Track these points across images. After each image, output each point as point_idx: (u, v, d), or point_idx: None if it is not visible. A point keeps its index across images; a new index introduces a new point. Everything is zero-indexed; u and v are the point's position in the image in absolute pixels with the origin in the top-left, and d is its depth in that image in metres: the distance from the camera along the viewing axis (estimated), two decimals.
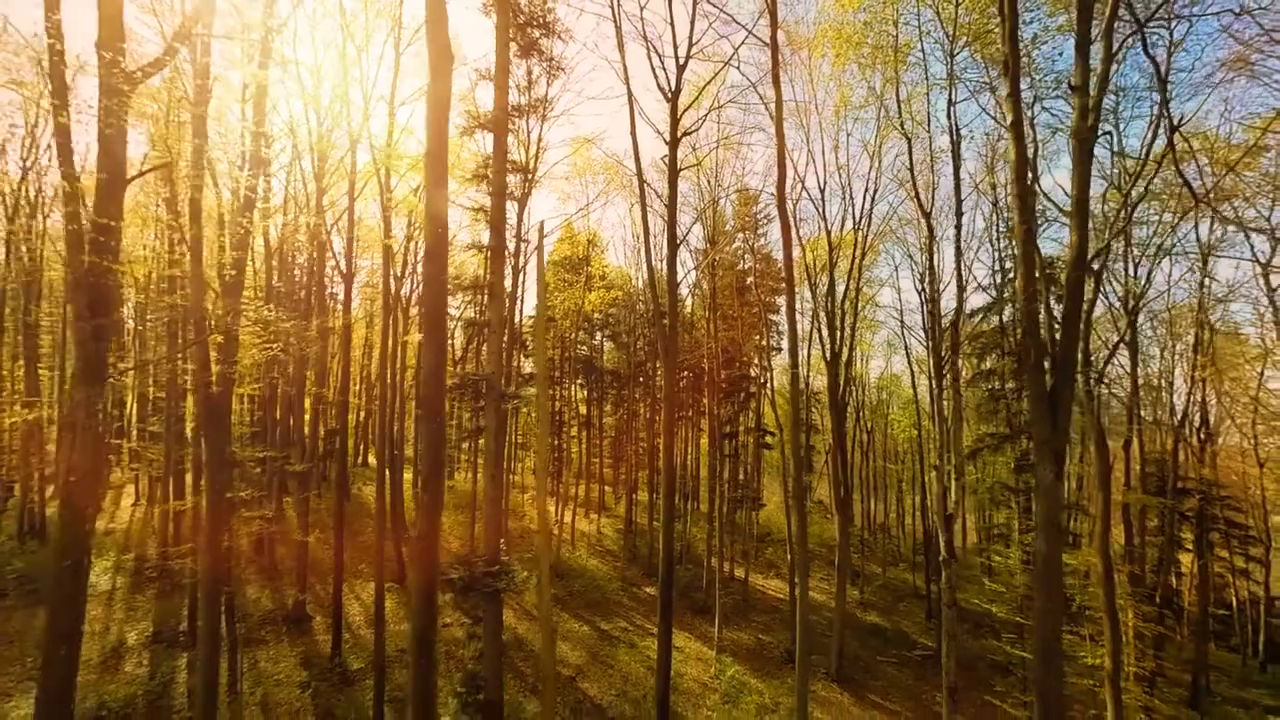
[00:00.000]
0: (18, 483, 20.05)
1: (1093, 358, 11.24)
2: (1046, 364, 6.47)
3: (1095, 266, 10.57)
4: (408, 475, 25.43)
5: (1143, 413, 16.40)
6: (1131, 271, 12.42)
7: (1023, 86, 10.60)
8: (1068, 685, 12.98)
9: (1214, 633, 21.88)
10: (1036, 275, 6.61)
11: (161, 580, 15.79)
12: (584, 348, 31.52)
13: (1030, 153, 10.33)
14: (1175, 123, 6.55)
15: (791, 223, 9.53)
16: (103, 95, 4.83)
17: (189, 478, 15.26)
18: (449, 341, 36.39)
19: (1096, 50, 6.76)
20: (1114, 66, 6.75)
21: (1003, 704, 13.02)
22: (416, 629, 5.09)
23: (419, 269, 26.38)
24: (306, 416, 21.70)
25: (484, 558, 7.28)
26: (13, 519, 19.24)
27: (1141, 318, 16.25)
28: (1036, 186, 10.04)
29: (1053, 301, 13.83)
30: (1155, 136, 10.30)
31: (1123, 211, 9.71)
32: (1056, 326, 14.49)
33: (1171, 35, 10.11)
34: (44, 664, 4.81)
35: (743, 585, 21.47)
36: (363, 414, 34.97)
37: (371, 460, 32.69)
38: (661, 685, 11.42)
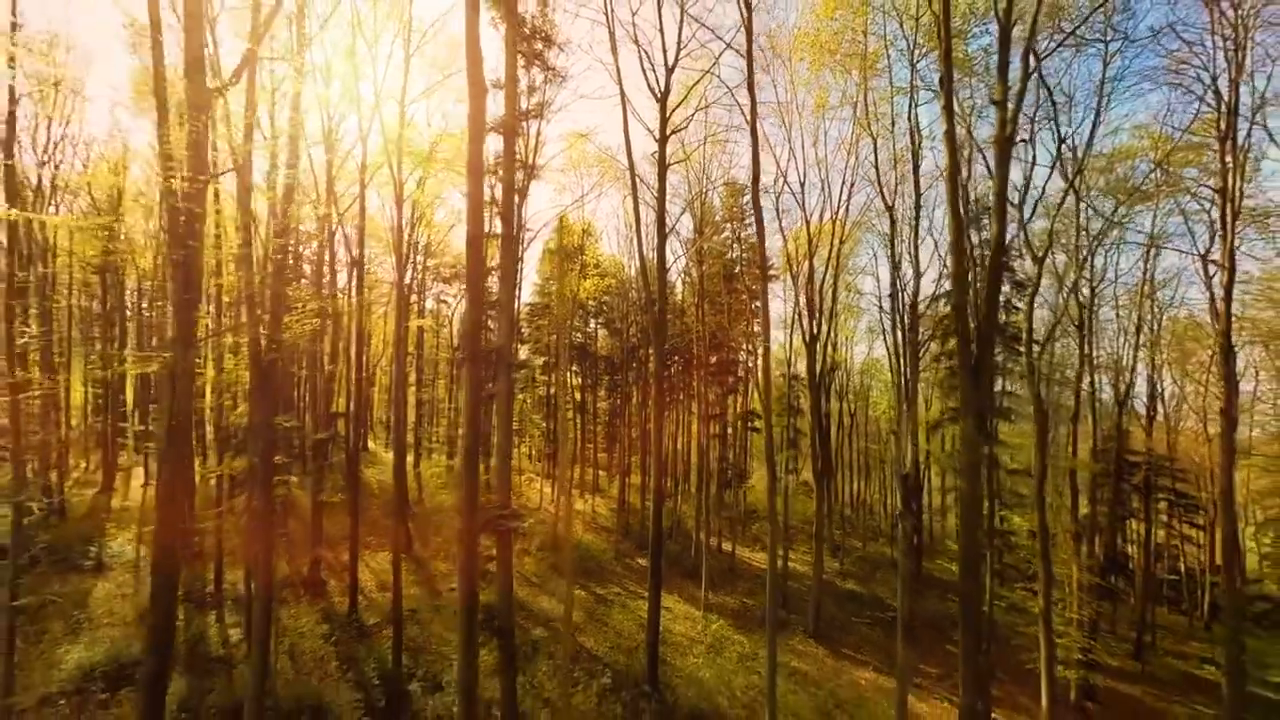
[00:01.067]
0: (31, 461, 21.06)
1: (1036, 335, 12.59)
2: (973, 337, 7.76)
3: (1040, 254, 11.87)
4: (408, 458, 26.51)
5: (1101, 393, 17.87)
6: (1083, 258, 13.76)
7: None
8: (1019, 633, 14.49)
9: (1167, 598, 23.71)
10: (965, 263, 7.88)
11: (183, 549, 16.89)
12: (579, 335, 32.64)
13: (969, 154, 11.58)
14: (1062, 135, 7.80)
15: (764, 218, 10.72)
16: (190, 109, 5.95)
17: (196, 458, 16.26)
18: (448, 330, 37.35)
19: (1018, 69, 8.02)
20: (1028, 85, 7.97)
21: (959, 651, 14.53)
22: (464, 559, 6.33)
23: (419, 259, 27.50)
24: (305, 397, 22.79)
25: (497, 503, 8.49)
26: (32, 494, 20.23)
27: (1097, 301, 17.69)
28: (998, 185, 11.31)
29: (1008, 287, 15.20)
30: (1093, 138, 11.64)
31: (1067, 201, 11.03)
32: (1018, 307, 15.87)
33: (1107, 48, 11.40)
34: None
35: (730, 557, 22.93)
36: (352, 404, 35.93)
37: (372, 445, 33.69)
38: (651, 635, 12.79)
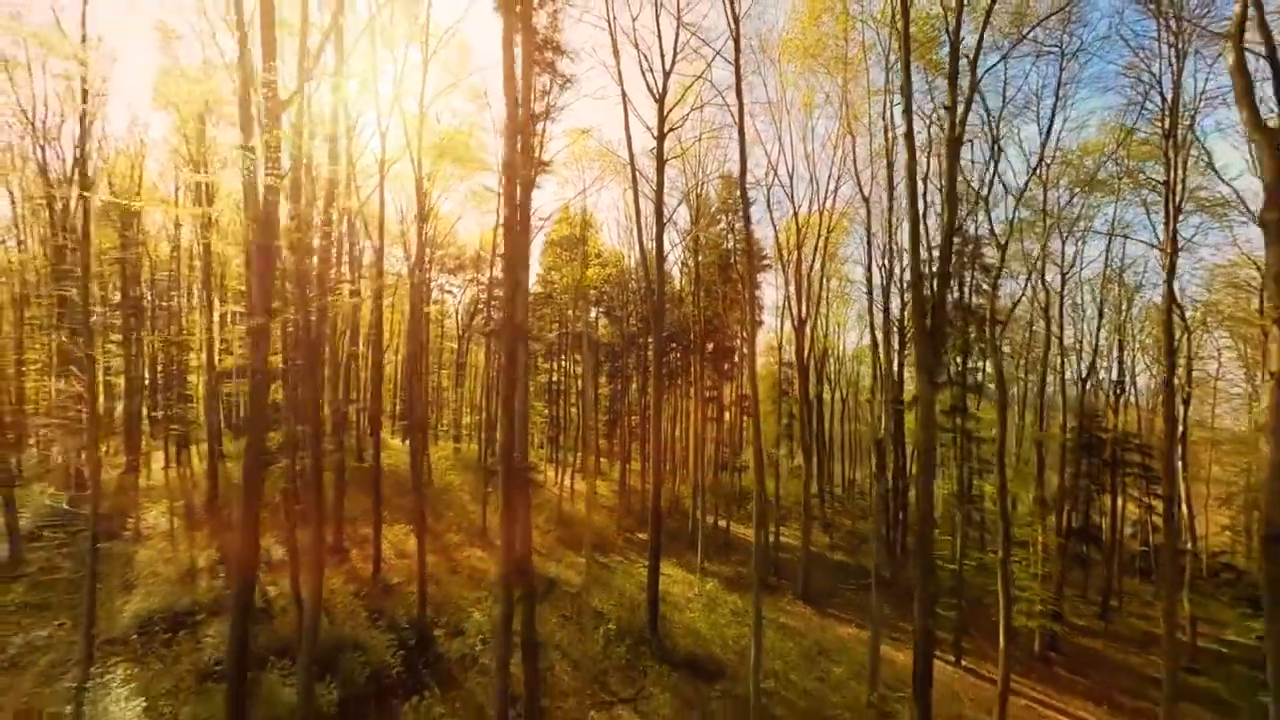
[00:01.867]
0: (58, 442, 22.40)
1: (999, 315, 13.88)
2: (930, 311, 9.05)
3: (1004, 241, 13.16)
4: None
5: (1066, 373, 19.21)
6: (1044, 245, 15.05)
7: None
8: (989, 592, 15.86)
9: (1139, 568, 25.23)
10: (919, 247, 9.16)
11: (214, 519, 18.27)
12: (580, 324, 33.89)
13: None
14: (998, 135, 9.08)
15: (757, 209, 11.97)
16: (269, 118, 7.20)
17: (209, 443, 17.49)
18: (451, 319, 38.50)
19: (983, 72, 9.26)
20: (975, 94, 9.22)
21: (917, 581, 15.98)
22: (507, 492, 7.61)
23: (426, 250, 28.83)
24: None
25: (517, 457, 9.79)
26: (60, 477, 21.55)
27: (1070, 287, 19.01)
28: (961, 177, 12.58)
29: (979, 272, 16.49)
30: (1048, 136, 12.90)
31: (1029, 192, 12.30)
32: (985, 288, 17.16)
33: (1063, 55, 12.64)
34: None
35: (725, 533, 24.32)
36: (369, 389, 37.19)
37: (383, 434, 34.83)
38: (651, 591, 14.16)
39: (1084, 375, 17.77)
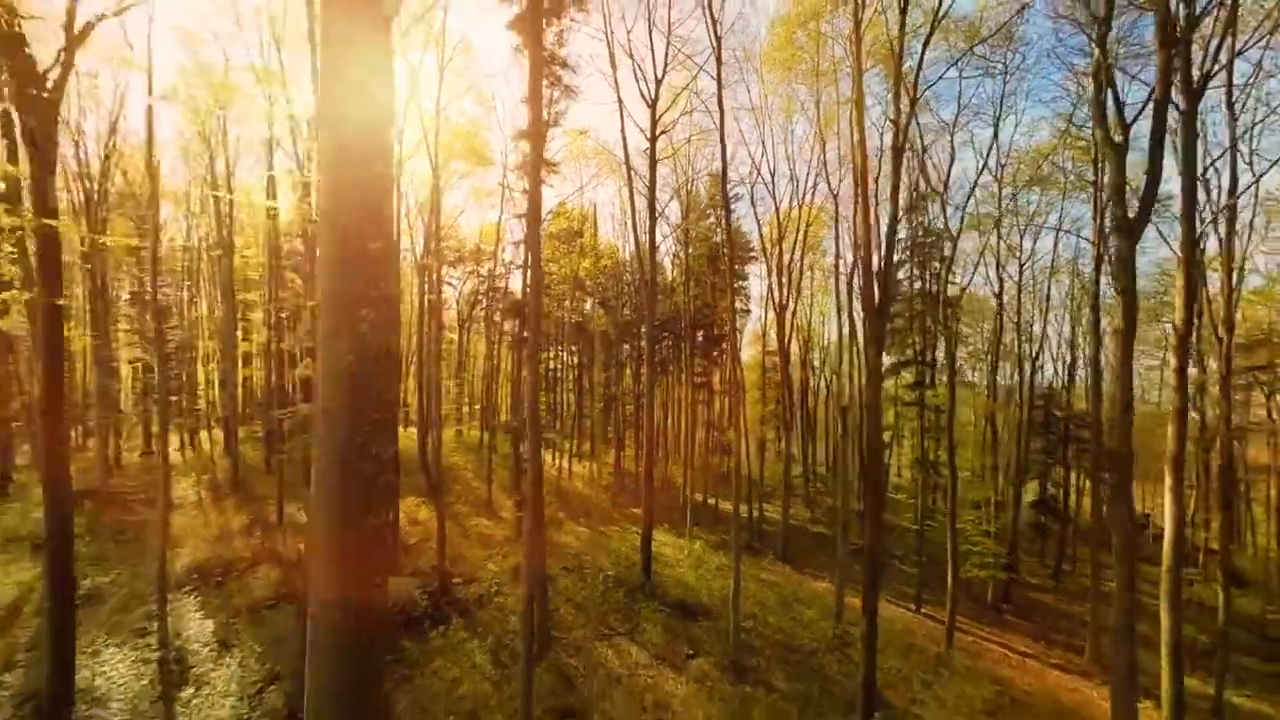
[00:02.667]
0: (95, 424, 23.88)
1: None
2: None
3: (955, 235, 14.97)
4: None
5: (1025, 359, 21.13)
6: (988, 237, 16.91)
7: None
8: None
9: (1104, 541, 27.34)
10: (871, 236, 10.91)
11: (238, 492, 19.85)
12: (576, 315, 35.53)
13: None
14: (954, 139, 10.84)
15: (748, 205, 13.67)
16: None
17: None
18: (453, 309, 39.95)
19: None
20: (917, 107, 10.99)
21: (900, 565, 17.92)
22: (533, 438, 9.28)
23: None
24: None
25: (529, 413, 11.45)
26: (96, 457, 23.00)
27: (1028, 277, 20.90)
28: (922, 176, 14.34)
29: (936, 263, 18.31)
30: (995, 142, 14.73)
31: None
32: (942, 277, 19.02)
33: (1006, 71, 14.43)
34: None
35: (714, 509, 26.15)
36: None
37: None
38: (645, 545, 15.91)
39: (1035, 357, 19.73)
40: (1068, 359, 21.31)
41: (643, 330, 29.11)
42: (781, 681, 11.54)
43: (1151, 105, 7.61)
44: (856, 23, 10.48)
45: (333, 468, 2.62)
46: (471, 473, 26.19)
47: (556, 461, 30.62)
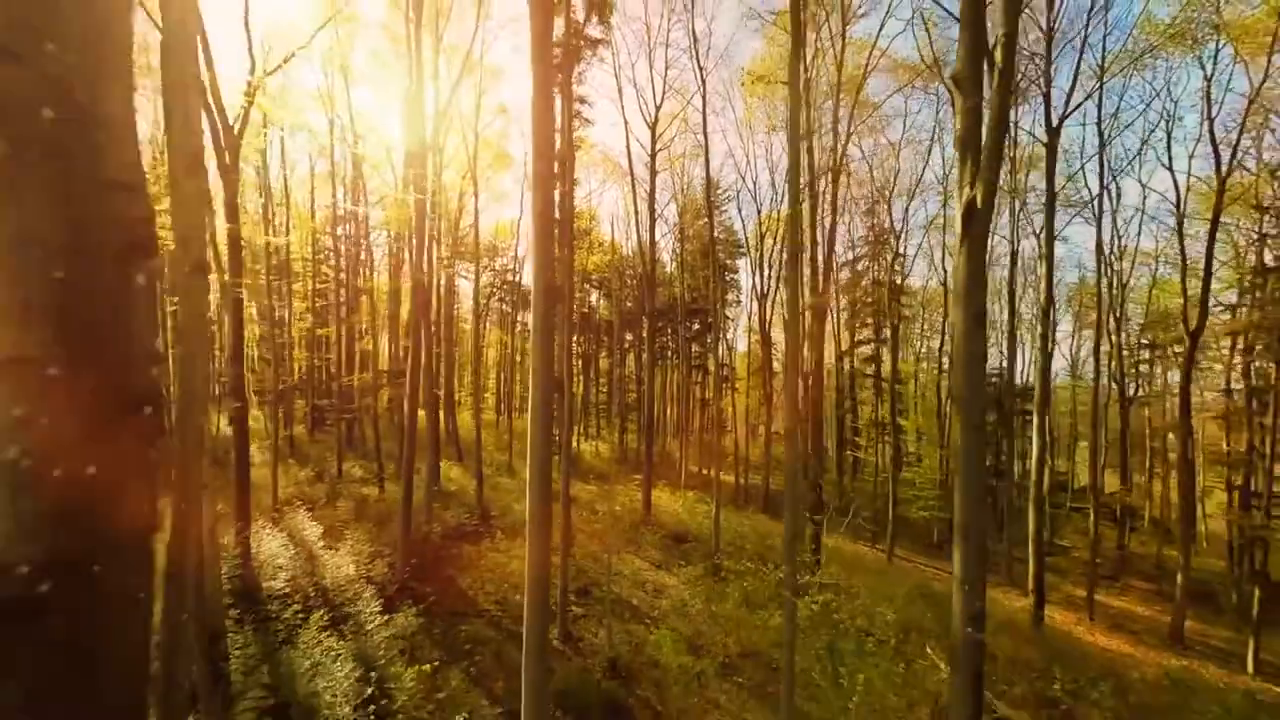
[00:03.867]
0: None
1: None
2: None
3: (899, 233, 18.47)
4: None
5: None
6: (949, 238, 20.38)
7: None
8: (905, 501, 21.23)
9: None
10: (799, 236, 14.42)
11: (295, 454, 23.48)
12: (584, 307, 39.10)
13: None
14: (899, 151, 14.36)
15: (734, 207, 17.20)
16: (411, 136, 12.39)
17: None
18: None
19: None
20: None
21: (861, 514, 21.52)
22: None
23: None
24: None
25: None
26: None
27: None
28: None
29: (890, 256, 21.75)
30: (928, 156, 18.13)
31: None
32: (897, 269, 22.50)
33: (938, 93, 17.79)
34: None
35: (706, 476, 29.72)
36: (416, 358, 42.34)
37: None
38: (645, 486, 19.48)
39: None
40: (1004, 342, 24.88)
41: (644, 319, 32.71)
42: (749, 580, 15.08)
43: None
44: (794, 81, 13.99)
45: None
46: (493, 444, 29.78)
47: (564, 438, 34.14)
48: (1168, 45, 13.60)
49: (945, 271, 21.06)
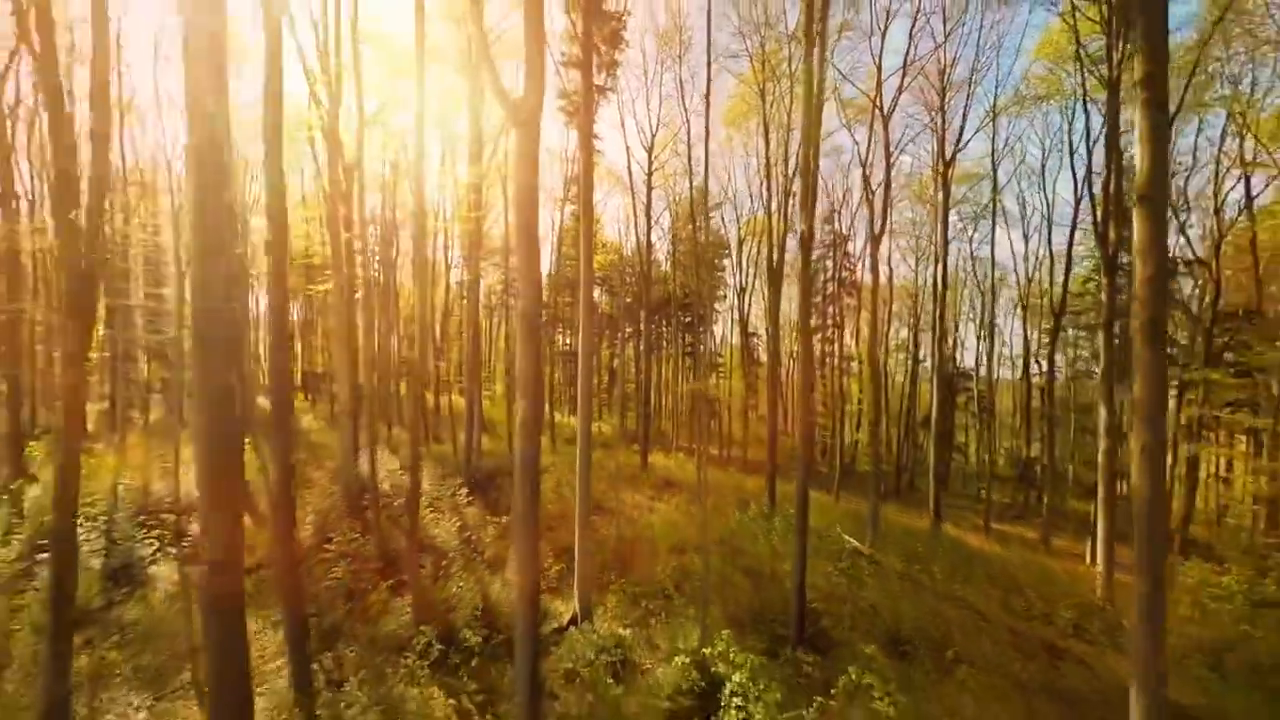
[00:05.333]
0: None
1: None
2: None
3: (846, 234, 23.13)
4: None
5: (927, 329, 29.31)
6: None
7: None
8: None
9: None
10: (778, 245, 19.02)
11: (334, 428, 27.93)
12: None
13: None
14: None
15: (719, 215, 21.85)
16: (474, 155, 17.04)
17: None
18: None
19: None
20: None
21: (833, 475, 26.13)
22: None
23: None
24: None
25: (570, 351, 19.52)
26: None
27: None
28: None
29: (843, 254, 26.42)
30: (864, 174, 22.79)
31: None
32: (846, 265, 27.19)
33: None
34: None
35: (696, 449, 34.39)
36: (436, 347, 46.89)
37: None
38: (643, 441, 24.04)
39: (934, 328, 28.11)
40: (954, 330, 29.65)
41: (641, 313, 37.33)
42: (730, 509, 19.68)
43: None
44: (765, 125, 18.63)
45: None
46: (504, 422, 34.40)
47: (566, 420, 38.73)
48: (1031, 102, 18.29)
49: (890, 269, 25.83)
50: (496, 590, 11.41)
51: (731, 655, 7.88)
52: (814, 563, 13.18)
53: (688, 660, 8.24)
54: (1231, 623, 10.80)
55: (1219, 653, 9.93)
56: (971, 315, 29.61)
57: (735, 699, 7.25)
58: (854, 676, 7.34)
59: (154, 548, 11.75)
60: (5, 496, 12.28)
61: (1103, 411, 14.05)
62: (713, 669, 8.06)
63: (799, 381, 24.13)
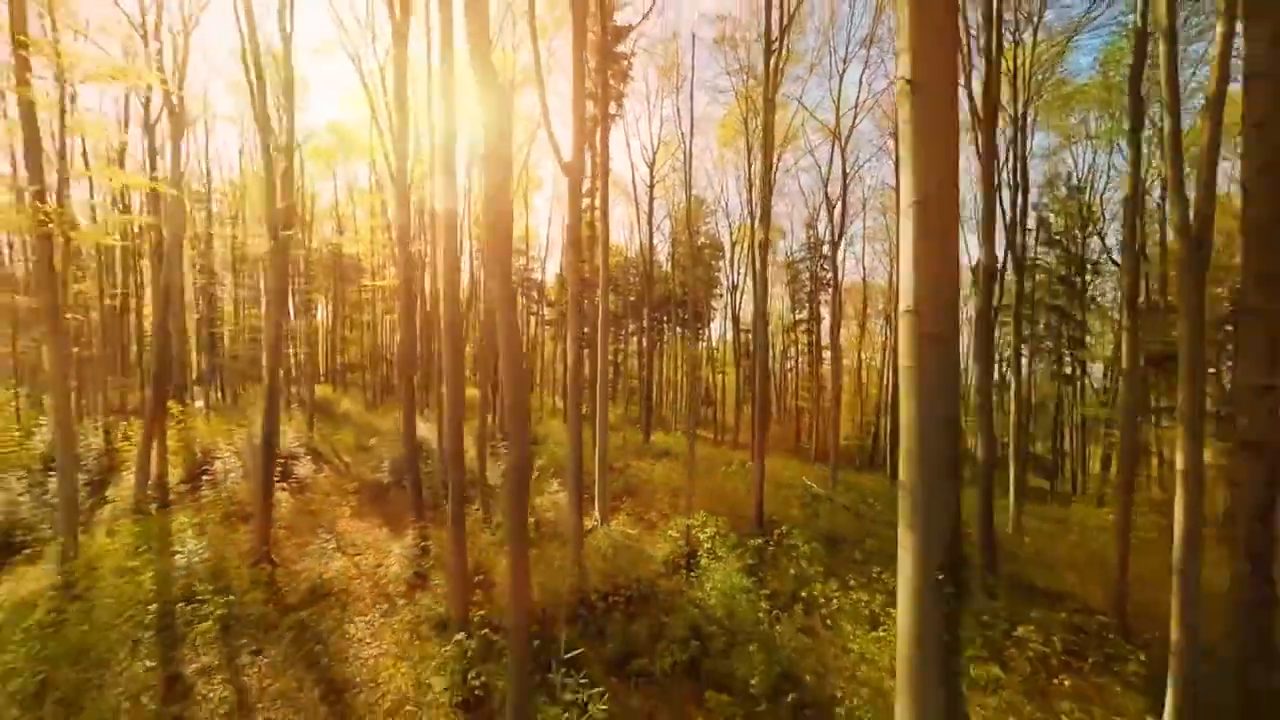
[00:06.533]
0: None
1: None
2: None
3: (820, 238, 27.04)
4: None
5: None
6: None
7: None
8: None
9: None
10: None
11: (373, 411, 31.94)
12: (594, 299, 47.60)
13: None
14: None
15: (713, 221, 25.81)
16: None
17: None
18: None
19: None
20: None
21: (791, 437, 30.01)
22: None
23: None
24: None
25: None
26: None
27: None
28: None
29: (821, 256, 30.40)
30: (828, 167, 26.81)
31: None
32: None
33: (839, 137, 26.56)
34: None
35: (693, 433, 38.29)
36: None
37: None
38: (645, 424, 27.94)
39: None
40: None
41: (644, 310, 41.30)
42: (719, 470, 23.57)
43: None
44: (749, 147, 22.58)
45: None
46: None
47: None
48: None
49: (864, 269, 29.61)
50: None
51: (705, 526, 11.81)
52: (780, 500, 17.16)
53: (676, 535, 12.16)
54: None
55: None
56: None
57: (705, 551, 11.18)
58: (785, 539, 11.24)
59: None
60: None
61: (1014, 384, 17.92)
62: (693, 541, 11.96)
63: (778, 369, 27.92)
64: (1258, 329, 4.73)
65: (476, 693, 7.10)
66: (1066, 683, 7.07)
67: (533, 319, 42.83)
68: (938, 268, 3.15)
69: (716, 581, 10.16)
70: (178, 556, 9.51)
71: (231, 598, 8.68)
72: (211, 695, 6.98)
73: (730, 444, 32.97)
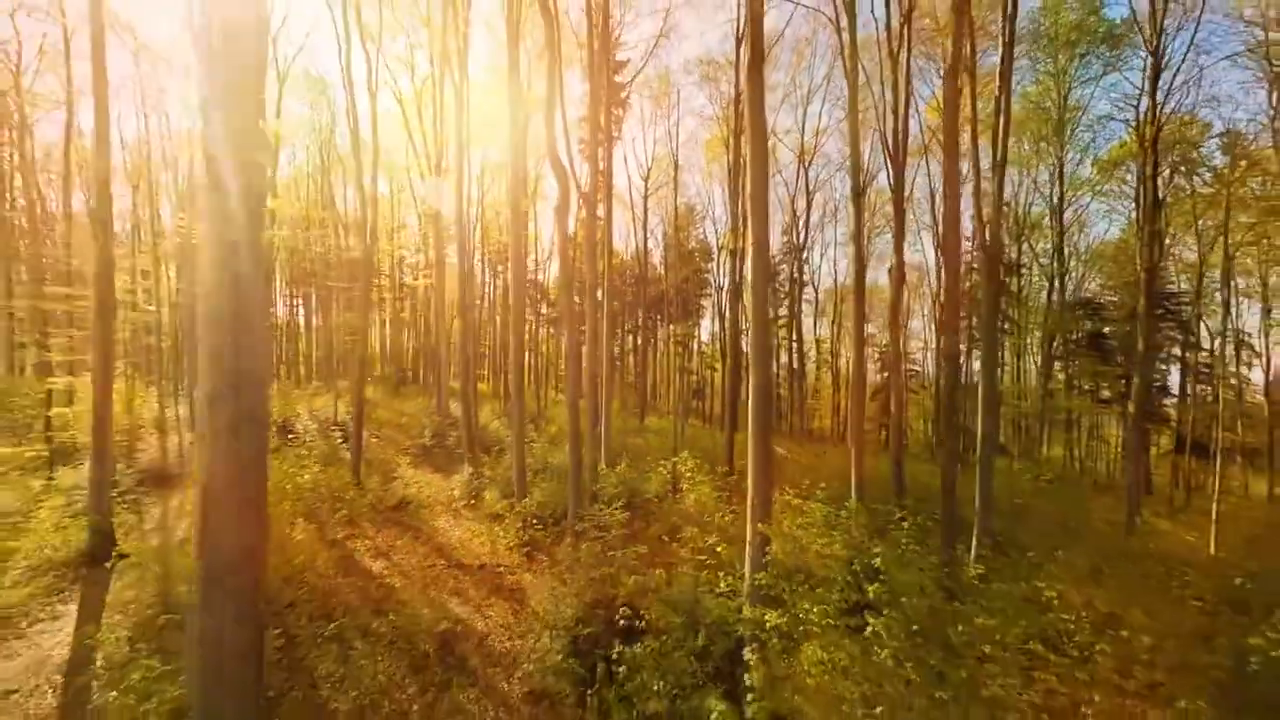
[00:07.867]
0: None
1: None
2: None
3: (798, 244, 31.09)
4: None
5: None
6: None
7: None
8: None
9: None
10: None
11: (395, 398, 35.75)
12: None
13: None
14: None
15: (703, 230, 29.82)
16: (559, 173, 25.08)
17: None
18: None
19: None
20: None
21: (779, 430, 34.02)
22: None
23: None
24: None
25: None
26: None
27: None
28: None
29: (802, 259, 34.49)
30: (793, 203, 30.91)
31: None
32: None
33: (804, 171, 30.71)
34: None
35: (686, 423, 42.23)
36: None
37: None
38: (641, 408, 31.84)
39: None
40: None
41: (639, 310, 45.28)
42: (698, 441, 27.43)
43: None
44: (730, 164, 26.56)
45: None
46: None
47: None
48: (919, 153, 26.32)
49: (835, 273, 33.56)
50: None
51: (686, 462, 15.74)
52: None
53: (664, 472, 16.09)
54: None
55: None
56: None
57: (686, 481, 15.11)
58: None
59: None
60: None
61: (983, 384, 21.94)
62: (678, 475, 15.86)
63: (751, 359, 32.05)
64: None
65: (525, 547, 11.03)
66: None
67: (535, 318, 46.63)
68: None
69: (694, 499, 14.08)
70: (303, 477, 13.34)
71: (349, 498, 12.54)
72: (360, 548, 10.85)
73: (718, 428, 36.91)
